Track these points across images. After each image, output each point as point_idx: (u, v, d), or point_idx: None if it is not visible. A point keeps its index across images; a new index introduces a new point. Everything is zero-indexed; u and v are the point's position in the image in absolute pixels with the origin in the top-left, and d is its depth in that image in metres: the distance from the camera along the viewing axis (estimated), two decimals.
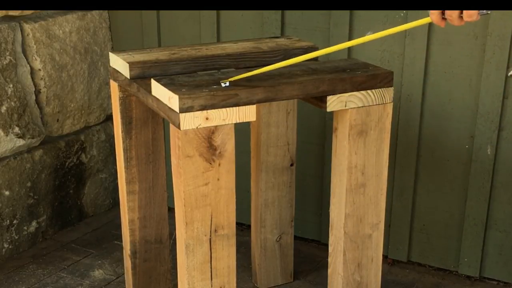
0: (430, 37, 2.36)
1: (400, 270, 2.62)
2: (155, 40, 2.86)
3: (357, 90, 1.83)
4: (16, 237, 2.69)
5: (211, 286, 1.82)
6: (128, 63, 1.90)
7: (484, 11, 1.42)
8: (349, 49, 2.48)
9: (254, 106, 1.73)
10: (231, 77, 1.80)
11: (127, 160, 2.11)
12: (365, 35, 2.44)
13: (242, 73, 1.80)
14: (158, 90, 1.74)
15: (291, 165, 2.37)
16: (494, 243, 2.48)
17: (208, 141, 1.69)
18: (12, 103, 2.56)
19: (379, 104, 1.87)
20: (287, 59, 2.05)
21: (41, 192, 2.76)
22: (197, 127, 1.67)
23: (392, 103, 1.89)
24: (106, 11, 2.94)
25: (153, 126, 2.12)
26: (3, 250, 2.64)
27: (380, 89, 1.86)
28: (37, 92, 2.68)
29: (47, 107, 2.72)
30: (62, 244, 2.80)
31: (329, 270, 2.06)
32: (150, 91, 1.80)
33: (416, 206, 2.57)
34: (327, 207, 2.58)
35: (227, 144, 1.72)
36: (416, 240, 2.61)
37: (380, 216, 1.99)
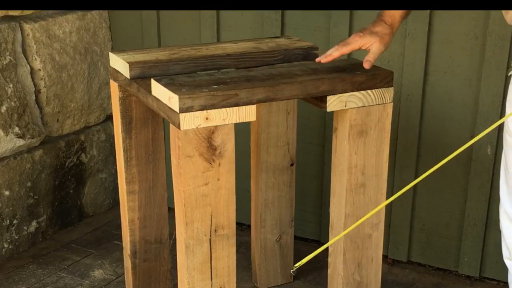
0: (430, 37, 2.36)
1: (400, 270, 2.61)
2: (155, 40, 2.86)
3: (357, 90, 1.83)
4: (16, 237, 2.69)
5: (211, 286, 1.82)
6: (128, 63, 1.90)
7: None
8: None
9: (254, 106, 1.72)
10: (232, 76, 1.80)
11: (127, 160, 2.11)
12: None
13: (243, 73, 1.79)
14: (158, 90, 1.74)
15: (291, 165, 2.37)
16: (494, 243, 2.48)
17: (208, 141, 1.69)
18: (12, 103, 2.55)
19: (379, 104, 1.87)
20: (287, 59, 2.06)
21: (41, 192, 2.76)
22: (197, 127, 1.67)
23: (392, 103, 1.89)
24: (106, 11, 2.94)
25: (153, 126, 2.12)
26: (3, 250, 2.64)
27: (380, 89, 1.86)
28: (37, 92, 2.67)
29: (47, 107, 2.72)
30: (62, 244, 2.80)
31: (329, 270, 2.06)
32: (150, 91, 1.80)
33: (416, 206, 2.57)
34: (327, 207, 2.58)
35: (227, 144, 1.72)
36: (416, 240, 2.61)
37: (380, 216, 1.99)
